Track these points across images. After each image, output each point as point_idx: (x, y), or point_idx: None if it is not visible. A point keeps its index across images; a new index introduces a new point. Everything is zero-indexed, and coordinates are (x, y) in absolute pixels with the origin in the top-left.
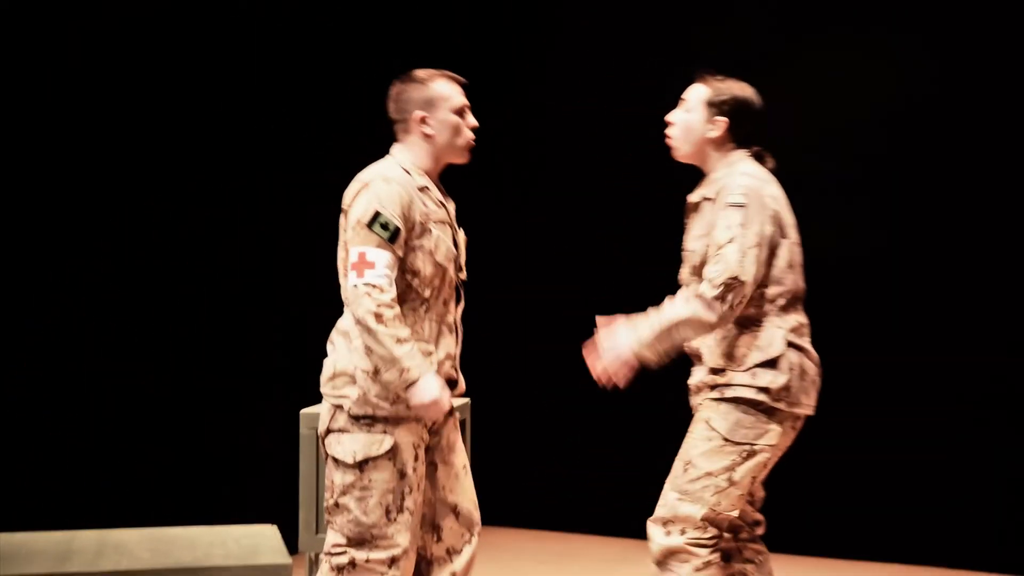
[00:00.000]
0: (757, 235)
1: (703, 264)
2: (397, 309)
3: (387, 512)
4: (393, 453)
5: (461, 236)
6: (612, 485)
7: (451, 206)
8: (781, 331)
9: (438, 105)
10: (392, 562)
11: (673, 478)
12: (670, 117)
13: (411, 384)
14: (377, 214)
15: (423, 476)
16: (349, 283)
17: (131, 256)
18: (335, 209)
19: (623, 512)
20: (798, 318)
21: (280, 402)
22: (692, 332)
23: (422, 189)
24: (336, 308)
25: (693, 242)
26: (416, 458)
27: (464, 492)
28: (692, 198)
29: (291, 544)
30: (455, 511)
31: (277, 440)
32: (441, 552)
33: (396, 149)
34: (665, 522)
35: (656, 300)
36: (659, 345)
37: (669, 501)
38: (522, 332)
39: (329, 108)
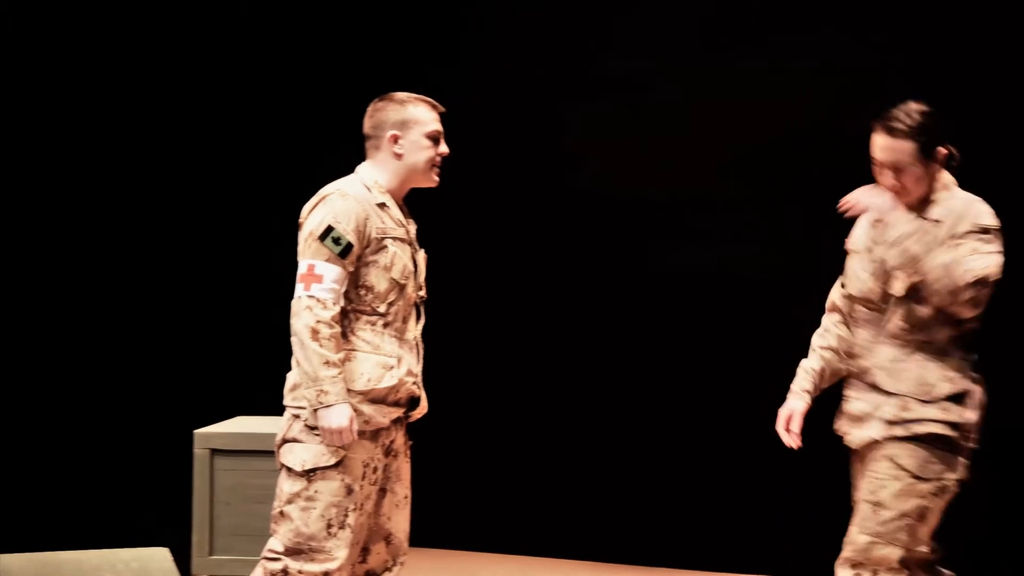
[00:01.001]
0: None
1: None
2: (337, 329)
3: (328, 526)
4: (343, 467)
5: (421, 256)
6: (513, 501)
7: (412, 226)
8: (968, 362)
9: (412, 128)
10: None
11: (862, 520)
12: (886, 183)
13: (324, 407)
14: (330, 228)
15: (370, 496)
16: (295, 294)
17: (20, 274)
18: (238, 230)
19: (523, 531)
20: (975, 350)
21: (175, 422)
22: None
23: (381, 206)
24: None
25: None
26: (364, 476)
27: (400, 523)
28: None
29: (184, 567)
30: (387, 539)
31: (170, 461)
32: (361, 572)
33: (362, 166)
34: (855, 564)
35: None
36: None
37: (860, 543)
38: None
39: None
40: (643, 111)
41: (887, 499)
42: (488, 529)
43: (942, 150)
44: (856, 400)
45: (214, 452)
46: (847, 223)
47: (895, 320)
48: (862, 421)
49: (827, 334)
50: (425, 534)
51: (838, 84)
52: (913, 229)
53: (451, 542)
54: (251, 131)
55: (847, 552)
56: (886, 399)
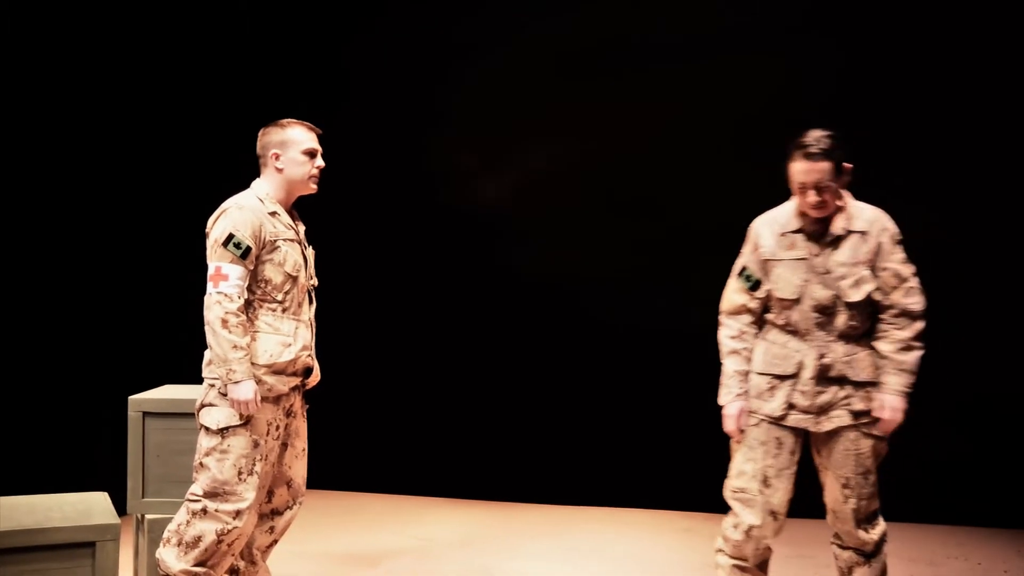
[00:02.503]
0: None
1: (856, 284)
2: (243, 317)
3: (239, 473)
4: (250, 426)
5: (310, 252)
6: (390, 450)
7: (301, 227)
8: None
9: (290, 146)
10: (237, 514)
11: (858, 490)
12: (813, 200)
13: (233, 383)
14: (231, 236)
15: (273, 449)
16: (207, 291)
17: None
18: (175, 220)
19: (398, 473)
20: None
21: (113, 390)
22: None
23: (272, 214)
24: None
25: (840, 268)
26: (269, 433)
27: (299, 470)
28: (835, 232)
29: (120, 508)
30: (288, 484)
31: (110, 422)
32: (267, 510)
33: (256, 182)
34: (859, 522)
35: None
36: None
37: (862, 507)
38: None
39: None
40: (489, 136)
41: (871, 465)
42: (370, 474)
43: (847, 166)
44: (821, 393)
45: (145, 414)
46: (668, 236)
47: (843, 319)
48: (826, 412)
49: (744, 337)
50: (320, 479)
51: (665, 112)
52: (853, 244)
53: (340, 484)
54: (178, 153)
55: (860, 516)
56: (852, 389)
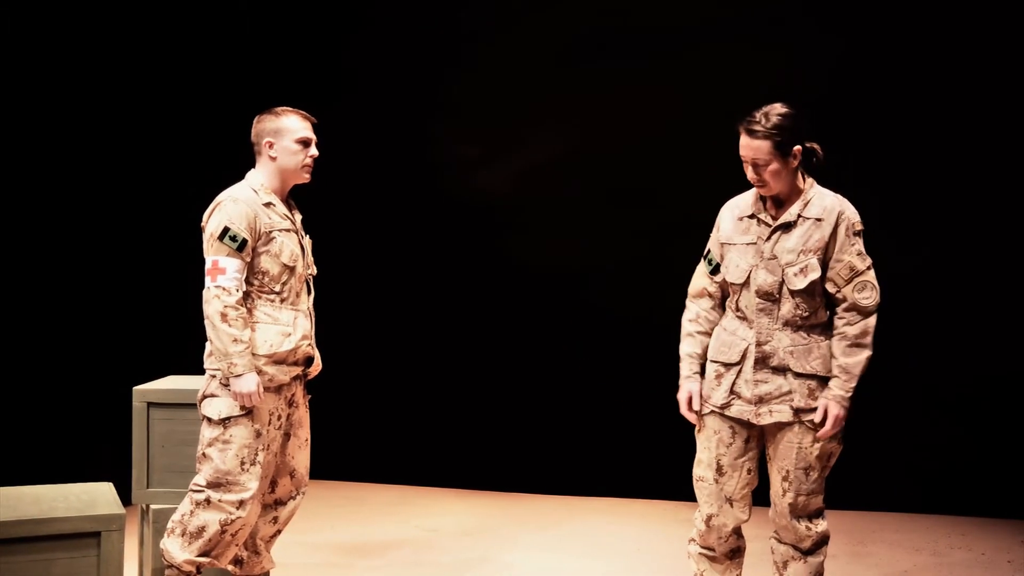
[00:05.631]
0: None
1: (801, 272)
2: (242, 310)
3: (242, 463)
4: (252, 415)
5: (307, 241)
6: (393, 440)
7: (297, 217)
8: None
9: (284, 135)
10: (240, 504)
11: (797, 486)
12: (751, 176)
13: (234, 376)
14: (227, 229)
15: (276, 439)
16: (205, 285)
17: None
18: (178, 211)
19: (401, 463)
20: None
21: (118, 381)
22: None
23: (267, 205)
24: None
25: (787, 254)
26: (270, 422)
27: (302, 460)
28: (787, 218)
29: (125, 498)
30: (292, 473)
31: (115, 412)
32: (270, 500)
33: (250, 172)
34: (798, 516)
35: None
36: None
37: (800, 503)
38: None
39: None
40: (491, 126)
41: (814, 462)
42: (374, 464)
43: (798, 149)
44: (761, 383)
45: (150, 405)
46: (666, 224)
47: (788, 307)
48: (766, 402)
49: (700, 320)
50: (323, 469)
51: (659, 103)
52: (805, 231)
53: (343, 475)
54: (181, 141)
55: (801, 511)
56: (795, 382)
